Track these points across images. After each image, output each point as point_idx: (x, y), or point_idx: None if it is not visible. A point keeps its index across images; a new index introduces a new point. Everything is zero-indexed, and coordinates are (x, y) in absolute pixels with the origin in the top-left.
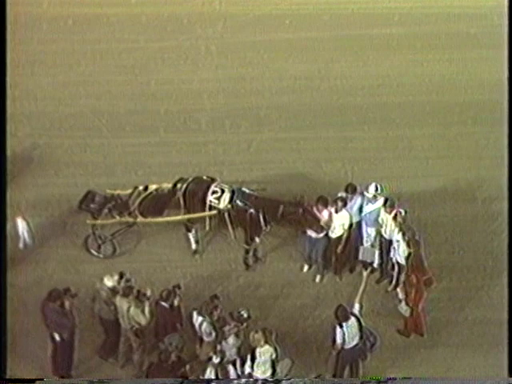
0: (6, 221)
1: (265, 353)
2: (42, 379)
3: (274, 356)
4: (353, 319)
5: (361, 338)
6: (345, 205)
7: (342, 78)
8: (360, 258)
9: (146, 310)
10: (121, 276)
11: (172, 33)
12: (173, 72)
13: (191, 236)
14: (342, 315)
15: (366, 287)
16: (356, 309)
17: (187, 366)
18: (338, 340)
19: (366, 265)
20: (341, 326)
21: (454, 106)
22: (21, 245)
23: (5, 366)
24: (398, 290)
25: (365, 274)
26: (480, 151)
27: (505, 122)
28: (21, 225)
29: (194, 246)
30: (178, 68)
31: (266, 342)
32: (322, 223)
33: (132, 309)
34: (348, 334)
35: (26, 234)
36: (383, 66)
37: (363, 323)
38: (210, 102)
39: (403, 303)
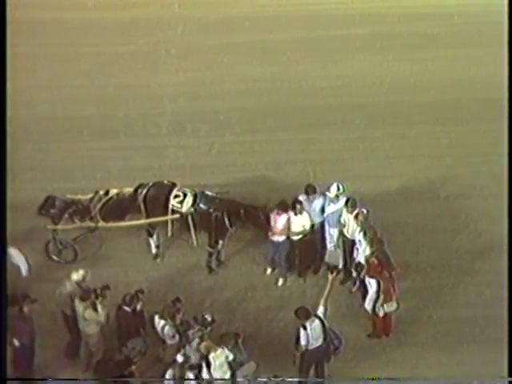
0: (6, 223)
1: (218, 356)
2: (42, 379)
3: (230, 358)
4: (317, 321)
5: (325, 339)
6: (303, 207)
7: (303, 80)
8: (326, 260)
9: (99, 308)
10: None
11: (131, 37)
12: (132, 76)
13: (152, 241)
14: (302, 315)
15: (331, 290)
16: (320, 311)
17: (133, 367)
18: (302, 341)
19: (332, 268)
20: (304, 328)
21: (416, 105)
22: (24, 273)
23: (5, 366)
24: (373, 290)
25: (330, 277)
26: (441, 150)
27: (466, 120)
28: (13, 253)
29: (154, 250)
30: (138, 72)
31: (219, 346)
32: (280, 229)
33: (88, 311)
34: (312, 335)
35: (23, 262)
36: (344, 67)
37: (327, 325)
38: (170, 105)
39: (385, 303)
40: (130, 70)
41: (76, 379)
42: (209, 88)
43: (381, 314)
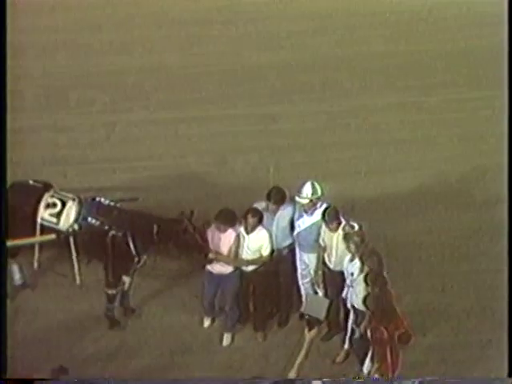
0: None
1: None
2: (42, 379)
3: None
4: None
5: None
6: (260, 220)
7: (258, 22)
8: (303, 310)
9: None
10: None
11: None
12: None
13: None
14: None
15: (307, 354)
16: None
17: None
18: None
19: (312, 322)
20: None
21: (438, 56)
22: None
23: (5, 366)
24: (368, 358)
25: (308, 335)
26: (479, 128)
27: None
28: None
29: (17, 277)
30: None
31: None
32: (224, 254)
33: None
34: None
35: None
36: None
37: None
38: (43, 61)
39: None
40: None
41: (78, 379)
42: (112, 36)
43: None
